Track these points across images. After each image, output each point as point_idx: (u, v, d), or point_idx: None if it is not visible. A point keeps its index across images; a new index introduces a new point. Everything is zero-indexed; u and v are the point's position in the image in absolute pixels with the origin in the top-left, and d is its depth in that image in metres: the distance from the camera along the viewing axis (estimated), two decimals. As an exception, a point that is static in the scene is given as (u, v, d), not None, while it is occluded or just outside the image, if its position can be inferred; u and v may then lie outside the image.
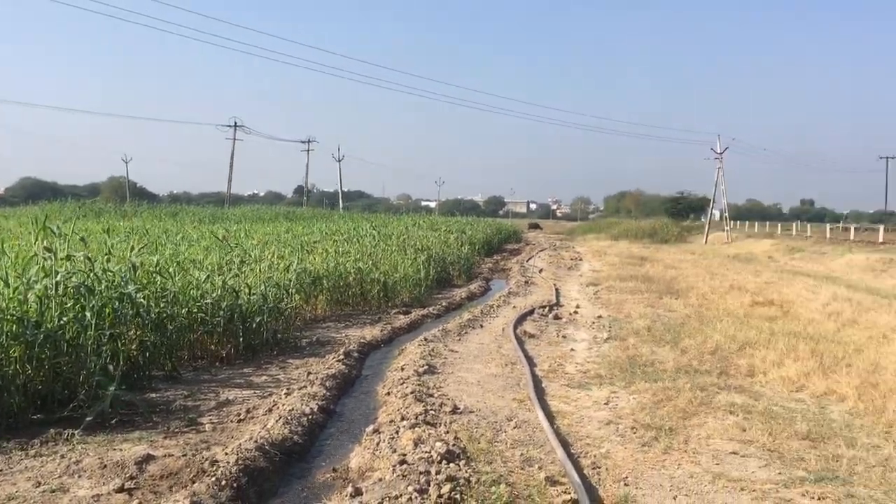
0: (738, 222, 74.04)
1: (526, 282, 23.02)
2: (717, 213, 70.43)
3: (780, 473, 5.98)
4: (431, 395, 8.32)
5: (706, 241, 56.17)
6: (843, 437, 6.93)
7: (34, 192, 76.18)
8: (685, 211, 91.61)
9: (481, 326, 13.98)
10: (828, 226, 55.88)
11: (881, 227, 45.73)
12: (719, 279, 22.69)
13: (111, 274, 8.71)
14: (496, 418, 7.57)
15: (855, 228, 50.98)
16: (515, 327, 13.44)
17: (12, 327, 7.09)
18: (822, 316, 14.69)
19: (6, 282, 7.50)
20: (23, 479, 5.65)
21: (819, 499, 5.38)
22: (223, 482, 5.48)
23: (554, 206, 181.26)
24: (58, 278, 7.78)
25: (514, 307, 16.80)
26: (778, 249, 41.84)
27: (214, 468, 5.74)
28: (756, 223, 72.15)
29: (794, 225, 61.05)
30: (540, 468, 6.05)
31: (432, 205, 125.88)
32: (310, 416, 7.58)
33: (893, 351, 10.57)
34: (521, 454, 6.40)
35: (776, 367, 9.79)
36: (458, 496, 5.15)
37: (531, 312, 15.66)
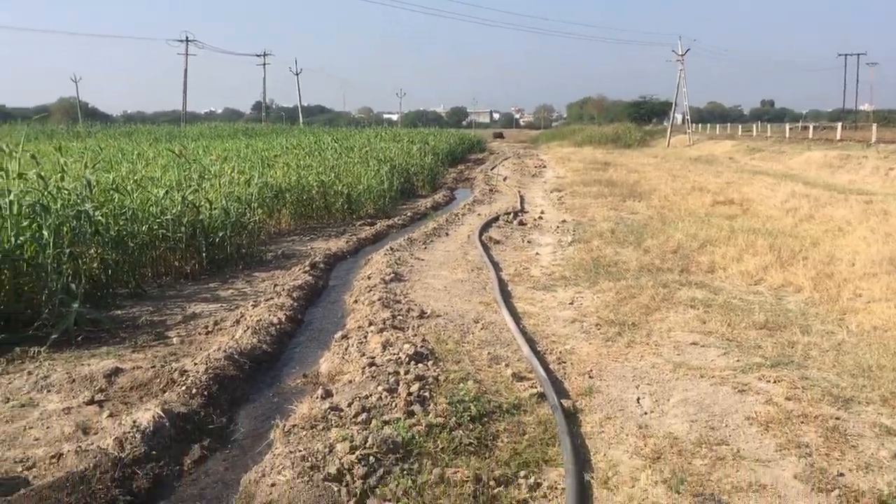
0: (700, 125, 74.42)
1: (490, 190, 23.04)
2: (679, 117, 70.71)
3: (738, 360, 6.18)
4: (399, 302, 8.38)
5: (668, 145, 56.44)
6: (798, 326, 7.14)
7: (-19, 116, 73.41)
8: (648, 115, 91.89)
9: (447, 234, 14.02)
10: (787, 126, 56.39)
11: (839, 125, 46.18)
12: (681, 181, 22.88)
13: (66, 192, 8.53)
14: (463, 321, 7.66)
15: (814, 127, 51.47)
16: (481, 234, 13.49)
17: (-33, 248, 6.96)
18: (781, 212, 14.94)
19: (-43, 202, 7.30)
20: (-9, 397, 5.64)
21: (775, 382, 5.57)
22: (194, 390, 5.53)
23: (517, 115, 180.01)
24: (11, 197, 7.59)
25: (479, 215, 16.84)
26: (738, 150, 42.24)
27: (184, 378, 5.77)
28: (717, 125, 72.50)
29: (754, 126, 61.49)
30: (507, 365, 6.17)
31: (394, 117, 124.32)
32: (278, 326, 7.61)
33: (848, 243, 10.83)
34: (489, 353, 6.52)
35: (735, 262, 9.99)
36: (426, 394, 5.25)
37: (496, 219, 15.72)
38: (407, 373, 5.68)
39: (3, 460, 4.58)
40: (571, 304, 8.46)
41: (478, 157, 47.57)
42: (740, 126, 67.45)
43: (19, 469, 4.45)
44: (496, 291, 8.86)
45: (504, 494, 4.04)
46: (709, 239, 11.66)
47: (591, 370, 6.09)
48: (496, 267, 10.56)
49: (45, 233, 7.57)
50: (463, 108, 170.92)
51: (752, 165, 33.46)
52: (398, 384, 5.43)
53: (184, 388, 5.56)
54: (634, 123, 77.18)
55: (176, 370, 6.02)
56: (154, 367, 6.21)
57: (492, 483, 4.11)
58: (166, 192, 10.67)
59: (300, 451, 4.31)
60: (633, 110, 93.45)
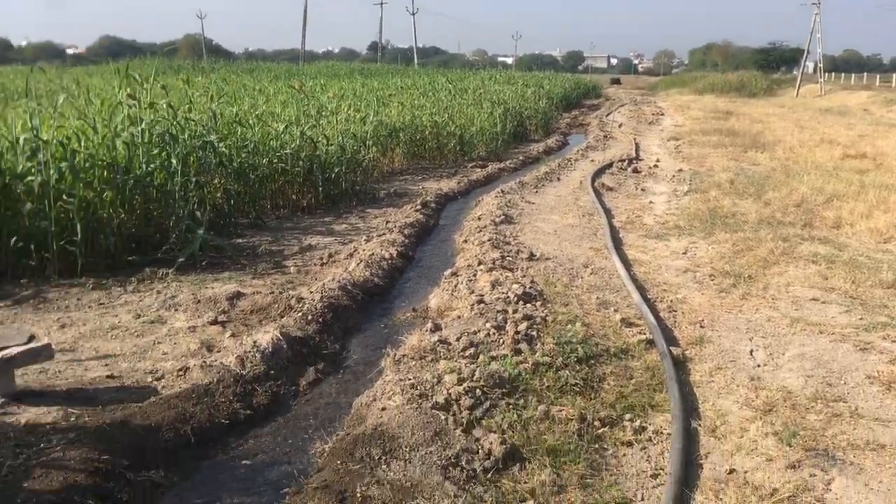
0: (834, 74, 69.95)
1: (605, 136, 22.56)
2: (810, 65, 66.70)
3: (861, 319, 5.90)
4: (508, 243, 8.40)
5: (797, 95, 53.49)
6: (931, 287, 6.74)
7: (114, 51, 76.74)
8: (776, 63, 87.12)
9: (558, 179, 13.87)
10: (932, 77, 52.26)
11: None
12: (809, 132, 21.74)
13: (193, 123, 8.91)
14: (572, 265, 7.62)
15: (962, 79, 47.56)
16: (593, 180, 13.28)
17: (103, 172, 7.40)
18: (919, 169, 14.01)
19: (95, 128, 7.73)
20: (123, 312, 6.05)
21: (901, 343, 5.32)
22: (309, 317, 5.76)
23: (636, 61, 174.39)
24: (142, 126, 7.98)
25: (592, 161, 16.56)
26: (875, 102, 39.59)
27: (301, 305, 6.01)
28: (853, 75, 67.96)
29: (894, 76, 57.28)
30: (616, 311, 6.11)
31: (509, 60, 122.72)
32: (389, 261, 7.78)
33: None
34: (598, 298, 6.47)
35: (864, 218, 9.48)
36: (534, 333, 5.27)
37: (609, 166, 15.41)
38: (515, 312, 5.71)
39: (134, 370, 4.92)
40: (685, 253, 8.26)
41: (593, 103, 46.53)
42: (878, 76, 62.86)
43: (149, 379, 4.78)
44: (607, 237, 8.75)
45: (609, 435, 4.06)
46: (836, 193, 11.08)
47: (703, 320, 5.96)
48: (608, 213, 10.40)
49: (174, 161, 7.95)
50: (579, 53, 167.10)
51: (888, 118, 31.34)
52: (506, 322, 5.48)
53: (300, 314, 5.80)
54: (761, 71, 73.34)
55: (293, 297, 6.27)
56: (273, 293, 6.49)
57: (597, 423, 4.12)
58: (286, 128, 10.99)
59: (409, 379, 4.44)
60: (760, 57, 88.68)
